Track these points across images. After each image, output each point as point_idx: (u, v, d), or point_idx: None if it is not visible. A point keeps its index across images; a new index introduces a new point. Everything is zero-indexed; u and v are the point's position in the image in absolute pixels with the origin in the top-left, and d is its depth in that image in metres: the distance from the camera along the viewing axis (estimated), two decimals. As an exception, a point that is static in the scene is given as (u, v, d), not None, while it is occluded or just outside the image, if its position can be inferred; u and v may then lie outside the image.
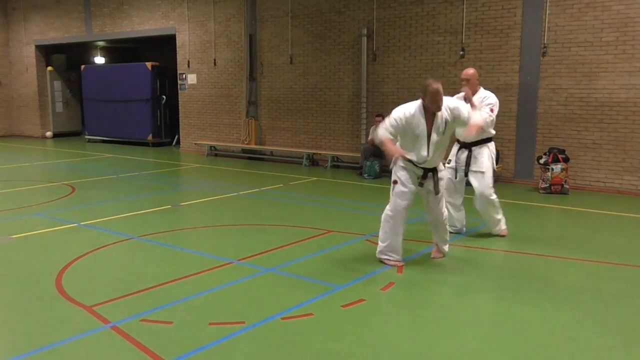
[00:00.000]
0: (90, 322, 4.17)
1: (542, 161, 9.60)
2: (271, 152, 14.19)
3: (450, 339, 3.96)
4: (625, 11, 9.26)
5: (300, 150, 13.33)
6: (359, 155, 11.78)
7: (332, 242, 6.39)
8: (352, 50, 12.50)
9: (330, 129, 13.09)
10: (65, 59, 20.10)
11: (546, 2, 9.94)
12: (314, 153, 13.14)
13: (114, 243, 6.33)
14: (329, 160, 12.78)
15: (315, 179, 11.23)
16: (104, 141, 18.17)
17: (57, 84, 19.76)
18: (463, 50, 10.92)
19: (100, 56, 20.93)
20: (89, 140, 18.49)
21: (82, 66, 18.63)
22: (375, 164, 11.14)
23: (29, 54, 19.58)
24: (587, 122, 9.79)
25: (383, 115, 11.49)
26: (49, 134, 19.73)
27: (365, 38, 12.14)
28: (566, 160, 9.51)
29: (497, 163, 6.74)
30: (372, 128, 11.60)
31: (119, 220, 7.47)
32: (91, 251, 5.99)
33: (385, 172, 11.17)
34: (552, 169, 9.42)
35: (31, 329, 4.12)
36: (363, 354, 3.71)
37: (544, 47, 10.05)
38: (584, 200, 8.99)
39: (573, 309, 4.50)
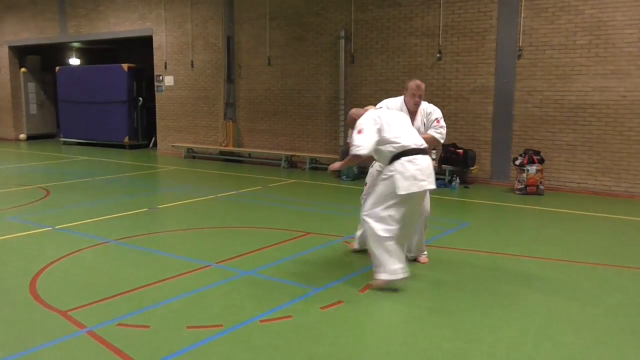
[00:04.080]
0: (66, 327, 4.11)
1: (517, 162, 9.72)
2: (249, 154, 14.15)
3: (427, 339, 3.99)
4: (598, 15, 9.42)
5: (278, 152, 13.31)
6: (337, 157, 11.80)
7: (310, 244, 6.39)
8: (330, 52, 12.53)
9: (309, 131, 13.10)
10: (40, 60, 19.81)
11: (521, 5, 10.07)
12: (292, 155, 13.13)
13: (90, 247, 6.25)
14: (308, 162, 12.78)
15: (293, 181, 11.23)
16: (79, 143, 17.94)
17: (31, 86, 19.47)
18: (440, 52, 11.01)
19: (76, 57, 20.67)
20: (64, 143, 18.25)
21: (57, 67, 18.39)
22: (353, 165, 11.15)
23: (2, 55, 19.26)
24: (561, 123, 9.93)
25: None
26: (22, 136, 19.42)
27: (343, 40, 12.17)
28: (541, 161, 9.64)
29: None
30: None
31: (95, 223, 7.38)
32: (66, 255, 5.91)
33: (362, 174, 11.20)
34: (528, 170, 9.55)
35: (5, 335, 4.05)
36: (341, 356, 3.71)
37: (519, 49, 10.18)
38: (559, 201, 9.12)
39: (548, 308, 4.56)
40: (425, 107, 5.53)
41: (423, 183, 4.82)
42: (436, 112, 5.51)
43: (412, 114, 5.46)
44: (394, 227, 4.82)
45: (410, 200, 4.85)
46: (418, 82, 5.44)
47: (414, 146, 4.85)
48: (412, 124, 5.27)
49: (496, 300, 4.71)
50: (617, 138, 9.46)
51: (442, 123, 5.50)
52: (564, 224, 7.64)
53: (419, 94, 5.41)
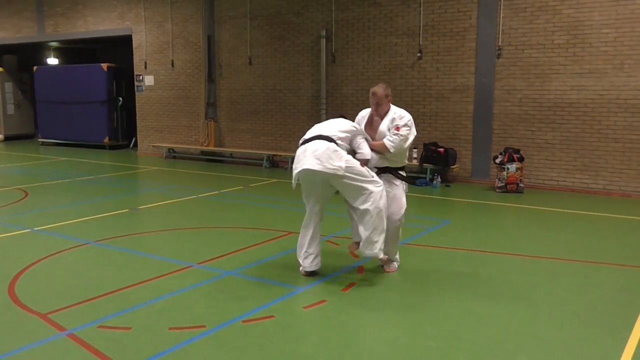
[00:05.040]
0: (46, 330, 4.06)
1: (498, 161, 9.81)
2: (231, 154, 14.09)
3: (411, 338, 4.01)
4: (575, 15, 9.54)
5: (260, 152, 13.28)
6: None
7: (292, 243, 6.35)
8: (311, 51, 12.53)
9: (290, 130, 13.08)
10: (17, 59, 19.52)
11: (500, 5, 10.16)
12: (274, 155, 13.10)
13: (70, 248, 6.18)
14: (289, 162, 12.76)
15: (275, 180, 11.21)
16: (58, 144, 17.72)
17: (8, 86, 19.15)
18: (420, 52, 11.07)
19: (54, 57, 20.40)
20: (43, 144, 18.01)
21: (35, 67, 18.14)
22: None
23: (-22, 55, 18.96)
24: (540, 122, 10.04)
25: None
26: (0, 137, 19.13)
27: (324, 40, 12.18)
28: (521, 159, 9.74)
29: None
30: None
31: (75, 225, 7.30)
32: (46, 257, 5.83)
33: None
34: (508, 169, 9.64)
35: (-17, 338, 3.99)
36: (325, 355, 3.71)
37: (499, 49, 10.27)
38: (538, 199, 9.22)
39: (529, 305, 4.61)
40: (395, 112, 5.28)
41: (297, 165, 4.99)
42: (399, 119, 5.19)
43: (380, 118, 5.32)
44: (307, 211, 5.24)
45: (305, 182, 5.11)
46: (373, 89, 5.33)
47: (307, 137, 5.14)
48: (379, 128, 5.26)
49: (478, 297, 4.75)
50: (595, 136, 9.59)
51: (402, 131, 5.13)
52: (544, 222, 7.73)
53: (374, 101, 5.31)
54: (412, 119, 5.29)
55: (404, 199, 5.33)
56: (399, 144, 5.14)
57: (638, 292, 4.87)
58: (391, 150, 5.15)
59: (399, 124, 5.18)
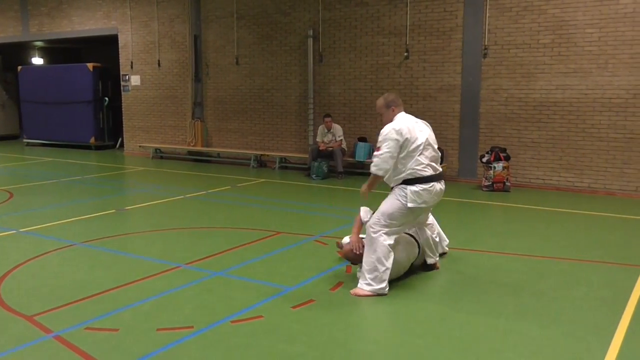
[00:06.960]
0: (31, 332, 4.03)
1: (484, 160, 9.87)
2: (218, 154, 14.06)
3: (398, 336, 4.02)
4: (560, 15, 9.62)
5: (247, 152, 13.25)
6: (306, 156, 11.81)
7: (281, 243, 6.38)
8: (299, 51, 12.52)
9: (278, 130, 13.07)
10: (1, 59, 19.33)
11: (486, 4, 10.22)
12: (261, 154, 13.09)
13: (56, 249, 6.13)
14: (277, 162, 12.76)
15: (263, 180, 11.19)
16: (43, 144, 17.57)
17: (-8, 86, 19.01)
18: (407, 51, 11.10)
19: (39, 57, 20.23)
20: (28, 144, 17.85)
21: (19, 67, 17.98)
22: (323, 164, 11.19)
23: (-38, 55, 18.74)
24: (526, 121, 10.12)
25: (331, 115, 11.63)
26: (-16, 137, 18.96)
27: (311, 39, 12.18)
28: (507, 158, 9.81)
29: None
30: (320, 128, 11.64)
31: (61, 226, 7.24)
32: (31, 258, 5.79)
33: (332, 173, 11.26)
34: (494, 167, 9.70)
35: (-32, 341, 3.95)
36: (313, 355, 3.72)
37: (485, 48, 10.33)
38: (525, 197, 9.29)
39: (515, 302, 4.64)
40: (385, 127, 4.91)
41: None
42: (381, 135, 4.87)
43: None
44: None
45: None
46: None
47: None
48: None
49: (465, 295, 4.78)
50: (580, 135, 9.68)
51: (381, 150, 4.79)
52: (530, 220, 7.79)
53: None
54: (394, 129, 4.72)
55: (383, 206, 4.85)
56: (379, 165, 4.75)
57: (623, 289, 4.93)
58: (378, 174, 4.79)
59: (379, 144, 4.81)
